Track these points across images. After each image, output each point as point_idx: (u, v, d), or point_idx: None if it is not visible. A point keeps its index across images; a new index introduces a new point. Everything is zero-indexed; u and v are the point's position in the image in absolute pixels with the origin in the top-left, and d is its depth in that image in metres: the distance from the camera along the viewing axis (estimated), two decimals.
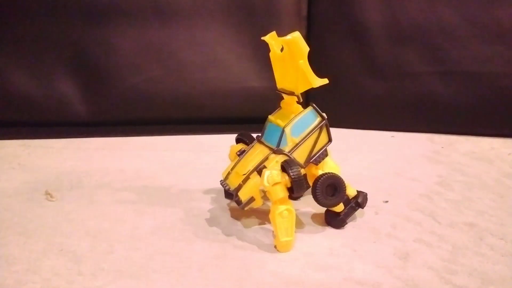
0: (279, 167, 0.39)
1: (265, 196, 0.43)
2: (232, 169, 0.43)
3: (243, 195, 0.40)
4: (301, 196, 0.43)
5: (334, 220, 0.43)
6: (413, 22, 0.68)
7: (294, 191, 0.39)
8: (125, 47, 0.78)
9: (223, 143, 0.72)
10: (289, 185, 0.39)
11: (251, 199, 0.40)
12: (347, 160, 0.61)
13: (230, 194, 0.42)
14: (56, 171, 0.59)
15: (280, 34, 0.42)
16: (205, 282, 0.35)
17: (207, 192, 0.52)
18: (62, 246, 0.40)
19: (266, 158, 0.41)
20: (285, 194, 0.39)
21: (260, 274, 0.36)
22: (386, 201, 0.49)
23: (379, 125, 0.75)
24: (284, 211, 0.39)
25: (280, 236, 0.39)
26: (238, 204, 0.41)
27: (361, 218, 0.45)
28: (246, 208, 0.41)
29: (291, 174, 0.38)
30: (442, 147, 0.66)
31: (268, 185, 0.38)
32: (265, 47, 0.86)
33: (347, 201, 0.43)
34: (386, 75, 0.72)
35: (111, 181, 0.55)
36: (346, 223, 0.43)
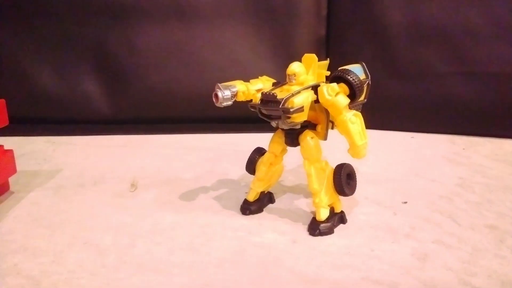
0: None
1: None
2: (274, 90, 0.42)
3: (295, 103, 0.39)
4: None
5: (313, 225, 0.43)
6: (435, 22, 0.67)
7: (356, 95, 0.40)
8: (147, 47, 0.80)
9: (242, 142, 0.73)
10: (348, 92, 0.41)
11: (300, 109, 0.40)
12: (365, 160, 0.61)
13: (271, 102, 0.40)
14: (80, 167, 0.61)
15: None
16: (223, 278, 0.36)
17: (225, 189, 0.53)
18: (86, 240, 0.41)
19: (318, 85, 0.42)
20: (348, 101, 0.40)
21: (277, 271, 0.36)
22: (405, 202, 0.49)
23: (399, 125, 0.74)
24: (352, 116, 0.40)
25: (357, 141, 0.40)
26: (284, 112, 0.39)
27: (379, 218, 0.45)
28: (289, 121, 0.41)
29: (351, 78, 0.40)
30: (463, 149, 0.65)
31: (330, 97, 0.40)
32: (284, 47, 0.86)
33: (331, 214, 0.43)
34: (406, 76, 0.71)
35: (133, 177, 0.57)
36: (322, 234, 0.42)
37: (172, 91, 0.81)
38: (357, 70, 0.42)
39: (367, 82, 0.43)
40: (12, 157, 0.49)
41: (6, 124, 0.49)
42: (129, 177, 0.57)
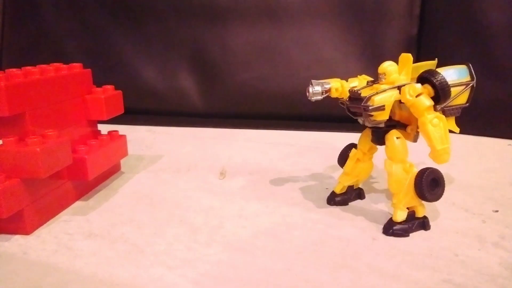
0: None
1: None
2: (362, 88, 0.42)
3: (375, 101, 0.40)
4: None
5: (388, 225, 0.43)
6: None
7: (441, 98, 0.39)
8: (238, 46, 0.85)
9: (323, 140, 0.74)
10: (432, 94, 0.40)
11: (381, 107, 0.40)
12: (456, 166, 0.59)
13: (356, 99, 0.41)
14: (176, 154, 0.68)
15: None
16: (303, 264, 0.38)
17: (306, 183, 0.55)
18: (181, 218, 0.46)
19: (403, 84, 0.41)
20: (431, 103, 0.39)
21: (355, 264, 0.38)
22: (496, 211, 0.47)
23: (495, 132, 0.70)
24: (434, 119, 0.39)
25: (436, 145, 0.39)
26: (365, 110, 0.40)
27: (466, 225, 0.44)
28: (371, 119, 0.41)
29: (435, 80, 0.39)
30: None
31: (411, 98, 0.39)
32: (373, 46, 0.85)
33: (411, 217, 0.42)
34: (506, 78, 0.67)
35: (222, 166, 0.61)
36: (395, 234, 0.42)
37: (259, 88, 0.85)
38: (462, 71, 0.42)
39: (471, 84, 0.41)
40: (125, 141, 0.57)
41: (122, 112, 0.56)
42: (219, 166, 0.62)
